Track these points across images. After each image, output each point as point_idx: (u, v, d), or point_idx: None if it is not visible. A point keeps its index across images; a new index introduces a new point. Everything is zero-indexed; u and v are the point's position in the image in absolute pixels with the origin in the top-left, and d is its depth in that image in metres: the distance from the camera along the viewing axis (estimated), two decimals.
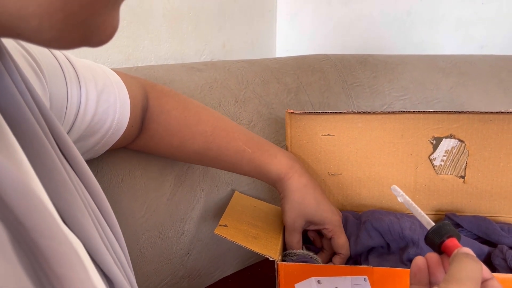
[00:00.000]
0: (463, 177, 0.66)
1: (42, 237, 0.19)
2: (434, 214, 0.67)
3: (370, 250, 0.61)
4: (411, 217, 0.62)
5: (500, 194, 0.65)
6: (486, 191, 0.65)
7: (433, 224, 0.40)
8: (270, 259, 0.54)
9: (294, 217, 0.60)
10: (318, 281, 0.54)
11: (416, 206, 0.43)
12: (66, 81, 0.41)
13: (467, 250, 0.36)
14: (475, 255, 0.35)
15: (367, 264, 0.60)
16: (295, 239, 0.61)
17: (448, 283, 0.32)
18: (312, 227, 0.62)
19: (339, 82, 0.88)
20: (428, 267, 0.38)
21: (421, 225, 0.60)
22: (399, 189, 0.45)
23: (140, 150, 0.60)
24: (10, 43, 0.36)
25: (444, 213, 0.66)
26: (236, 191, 0.72)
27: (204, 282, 0.71)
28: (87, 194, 0.29)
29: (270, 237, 0.60)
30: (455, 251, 0.36)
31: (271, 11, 1.30)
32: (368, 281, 0.53)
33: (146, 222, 0.61)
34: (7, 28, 0.19)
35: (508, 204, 0.65)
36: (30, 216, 0.19)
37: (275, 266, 0.55)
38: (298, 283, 0.54)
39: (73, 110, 0.43)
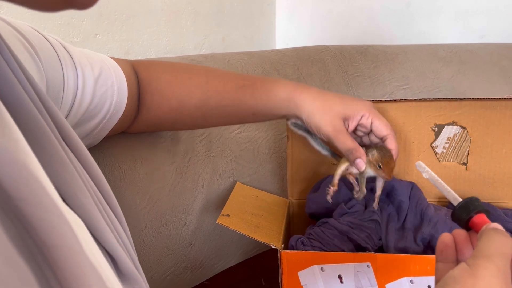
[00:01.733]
0: (465, 164, 0.65)
1: (27, 204, 0.19)
2: (437, 202, 0.67)
3: (387, 223, 0.60)
4: (438, 206, 0.63)
5: (502, 180, 0.65)
6: (488, 178, 0.65)
7: (460, 200, 0.38)
8: (273, 247, 0.54)
9: (330, 121, 0.55)
10: (321, 268, 0.54)
11: (442, 182, 0.41)
12: (62, 65, 0.41)
13: (497, 225, 0.34)
14: (505, 231, 0.34)
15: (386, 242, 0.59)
16: (347, 139, 0.55)
17: (476, 259, 0.30)
18: (351, 124, 0.56)
19: (339, 72, 0.87)
20: (456, 243, 0.36)
21: (446, 213, 0.60)
22: (424, 165, 0.43)
23: (142, 130, 0.59)
24: (5, 28, 0.36)
25: (447, 200, 0.66)
26: (238, 182, 0.72)
27: (207, 273, 0.71)
28: (87, 176, 0.29)
29: (272, 226, 0.60)
30: (484, 226, 0.34)
31: (270, 5, 1.30)
32: (371, 268, 0.53)
33: (148, 213, 0.61)
34: None
35: (511, 190, 0.65)
36: (15, 183, 0.19)
37: (278, 255, 0.54)
38: (301, 271, 0.54)
39: (70, 95, 0.43)
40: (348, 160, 0.56)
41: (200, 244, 0.69)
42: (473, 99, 0.62)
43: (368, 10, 1.21)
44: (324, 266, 0.53)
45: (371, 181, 0.59)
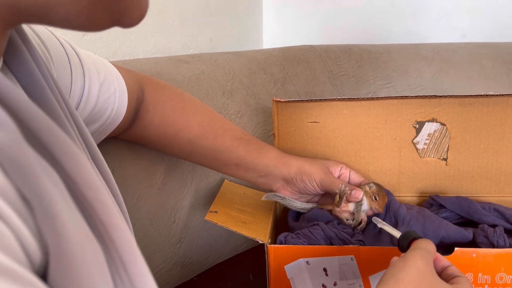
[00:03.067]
0: (445, 159, 0.68)
1: (90, 189, 0.22)
2: (419, 196, 0.69)
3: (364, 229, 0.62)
4: (409, 204, 0.65)
5: (480, 175, 0.67)
6: (467, 173, 0.67)
7: (400, 233, 0.50)
8: (260, 242, 0.56)
9: (320, 168, 0.63)
10: (307, 262, 0.55)
11: (389, 226, 0.54)
12: (71, 70, 0.43)
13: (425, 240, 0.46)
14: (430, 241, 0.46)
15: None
16: (338, 180, 0.63)
17: (402, 258, 0.42)
18: (334, 174, 0.64)
19: (324, 71, 0.89)
20: None
21: (417, 210, 0.62)
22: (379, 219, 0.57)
23: (131, 140, 0.61)
24: (26, 31, 0.37)
25: (428, 194, 0.68)
26: (225, 180, 0.73)
27: (196, 269, 0.73)
28: (99, 175, 0.31)
29: (259, 221, 0.62)
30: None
31: (257, 5, 1.31)
32: (355, 260, 0.55)
33: (138, 211, 0.62)
34: (39, 17, 0.21)
35: (488, 185, 0.67)
36: (78, 171, 0.22)
37: (265, 249, 0.56)
38: (288, 265, 0.56)
39: (76, 98, 0.44)
40: (340, 198, 0.60)
41: (189, 241, 0.70)
42: (451, 96, 0.64)
43: (353, 9, 1.23)
44: (310, 259, 0.55)
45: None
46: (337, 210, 0.62)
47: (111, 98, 0.49)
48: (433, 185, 0.69)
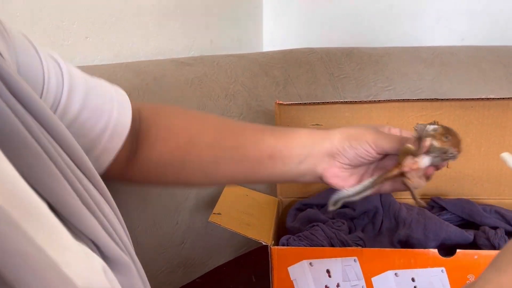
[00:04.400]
0: None
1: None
2: (420, 199, 0.70)
3: (363, 230, 0.63)
4: (409, 205, 0.65)
5: (481, 177, 0.68)
6: (468, 175, 0.68)
7: None
8: (263, 243, 0.56)
9: (366, 129, 0.49)
10: (310, 263, 0.56)
11: None
12: (40, 58, 0.37)
13: None
14: None
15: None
16: (392, 135, 0.49)
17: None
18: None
19: (325, 74, 0.90)
20: None
21: (418, 212, 0.62)
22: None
23: (136, 179, 0.50)
24: None
25: (429, 197, 0.69)
26: None
27: (198, 270, 0.73)
28: (65, 157, 0.28)
29: (263, 223, 0.62)
30: None
31: (257, 8, 1.32)
32: (358, 262, 0.55)
33: (142, 213, 0.62)
34: None
35: (489, 187, 0.68)
36: None
37: (269, 251, 0.56)
38: (291, 266, 0.56)
39: (52, 94, 0.39)
40: (419, 141, 0.46)
41: (192, 243, 0.70)
42: (452, 99, 0.65)
43: (353, 12, 1.24)
44: (313, 261, 0.56)
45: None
46: (410, 165, 0.45)
47: (106, 105, 0.42)
48: (434, 187, 0.69)
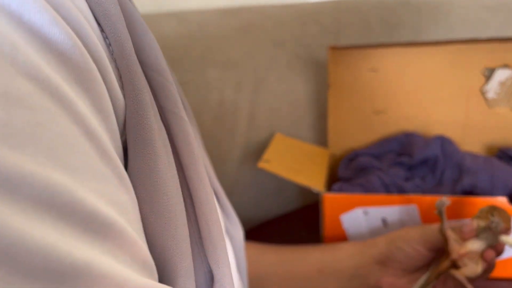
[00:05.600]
0: None
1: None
2: (487, 151, 0.64)
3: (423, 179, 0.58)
4: (474, 153, 0.60)
5: None
6: None
7: None
8: (315, 191, 0.53)
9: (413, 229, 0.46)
10: (365, 211, 0.52)
11: None
12: None
13: None
14: None
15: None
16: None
17: None
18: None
19: (380, 22, 0.84)
20: None
21: (484, 160, 0.57)
22: None
23: None
24: None
25: (497, 148, 0.63)
26: (278, 133, 0.71)
27: (245, 224, 0.71)
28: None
29: (313, 171, 0.59)
30: None
31: None
32: (417, 211, 0.51)
33: None
34: None
35: None
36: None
37: (319, 198, 0.53)
38: (344, 214, 0.53)
39: None
40: (441, 215, 0.43)
41: (239, 196, 0.69)
42: None
43: None
44: (368, 209, 0.52)
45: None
46: (456, 250, 0.41)
47: None
48: (503, 138, 0.63)
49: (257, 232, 0.72)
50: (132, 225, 0.17)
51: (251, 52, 0.72)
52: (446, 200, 0.42)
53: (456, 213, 0.50)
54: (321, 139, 0.76)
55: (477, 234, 0.41)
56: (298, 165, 0.60)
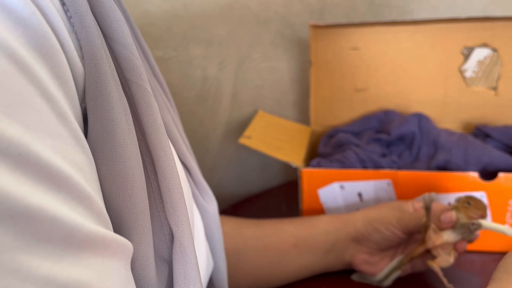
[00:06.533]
0: (495, 88, 0.63)
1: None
2: (464, 128, 0.65)
3: (399, 156, 0.59)
4: (450, 131, 0.61)
5: None
6: None
7: None
8: (293, 166, 0.54)
9: (389, 203, 0.49)
10: (341, 186, 0.54)
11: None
12: None
13: None
14: None
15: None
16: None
17: None
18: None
19: (365, 3, 0.84)
20: None
21: (459, 137, 0.58)
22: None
23: None
24: None
25: (474, 126, 0.64)
26: (260, 110, 0.72)
27: (228, 199, 0.73)
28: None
29: (293, 147, 0.60)
30: None
31: None
32: (392, 186, 0.53)
33: None
34: None
35: None
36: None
37: (298, 173, 0.55)
38: (321, 189, 0.55)
39: None
40: (427, 211, 0.43)
41: (222, 171, 0.70)
42: (505, 18, 0.59)
43: None
44: (344, 183, 0.54)
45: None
46: (432, 240, 0.43)
47: None
48: (480, 116, 0.64)
49: (240, 207, 0.74)
50: (88, 183, 0.18)
51: (234, 30, 0.72)
52: (434, 195, 0.43)
53: (430, 189, 0.51)
54: (304, 118, 0.77)
55: (454, 225, 0.42)
56: (279, 141, 0.61)
